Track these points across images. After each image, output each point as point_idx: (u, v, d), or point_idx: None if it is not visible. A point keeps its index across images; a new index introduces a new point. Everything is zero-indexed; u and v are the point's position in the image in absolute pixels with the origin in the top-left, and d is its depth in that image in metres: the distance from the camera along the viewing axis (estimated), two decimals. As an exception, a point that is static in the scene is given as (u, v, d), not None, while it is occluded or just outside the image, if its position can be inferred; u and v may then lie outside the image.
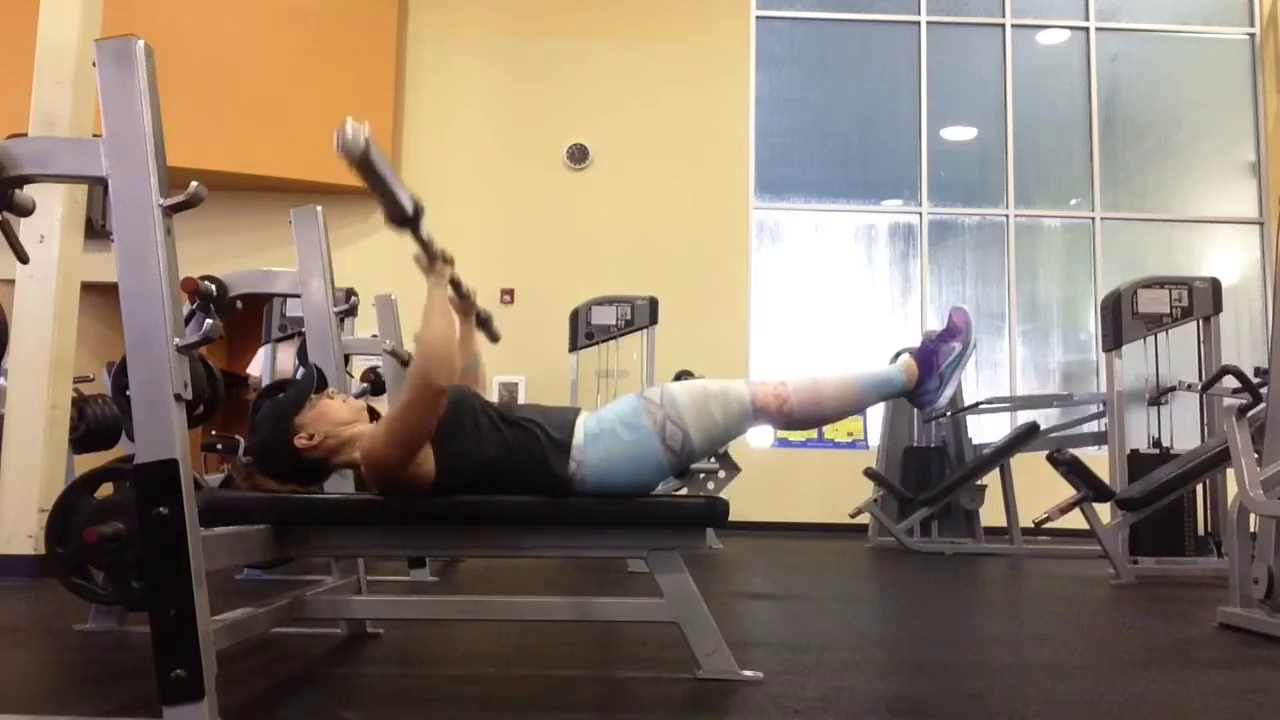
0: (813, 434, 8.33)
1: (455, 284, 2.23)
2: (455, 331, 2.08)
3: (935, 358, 2.20)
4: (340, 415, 2.16)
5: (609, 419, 2.10)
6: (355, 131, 1.72)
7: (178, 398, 1.56)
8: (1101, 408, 6.21)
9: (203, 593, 1.55)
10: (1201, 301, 5.25)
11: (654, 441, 2.06)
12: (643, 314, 6.79)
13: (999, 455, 6.42)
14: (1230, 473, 4.03)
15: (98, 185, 1.61)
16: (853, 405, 2.21)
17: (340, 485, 2.71)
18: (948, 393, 2.19)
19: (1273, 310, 6.74)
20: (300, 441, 2.12)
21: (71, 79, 4.19)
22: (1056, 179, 9.05)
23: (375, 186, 1.91)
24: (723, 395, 2.12)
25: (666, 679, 2.19)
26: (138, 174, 1.57)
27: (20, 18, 4.52)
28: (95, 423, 4.36)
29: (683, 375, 6.85)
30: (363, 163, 1.77)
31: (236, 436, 5.08)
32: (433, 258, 2.14)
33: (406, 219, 2.06)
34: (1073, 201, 8.95)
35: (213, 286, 3.00)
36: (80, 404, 4.35)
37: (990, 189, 8.89)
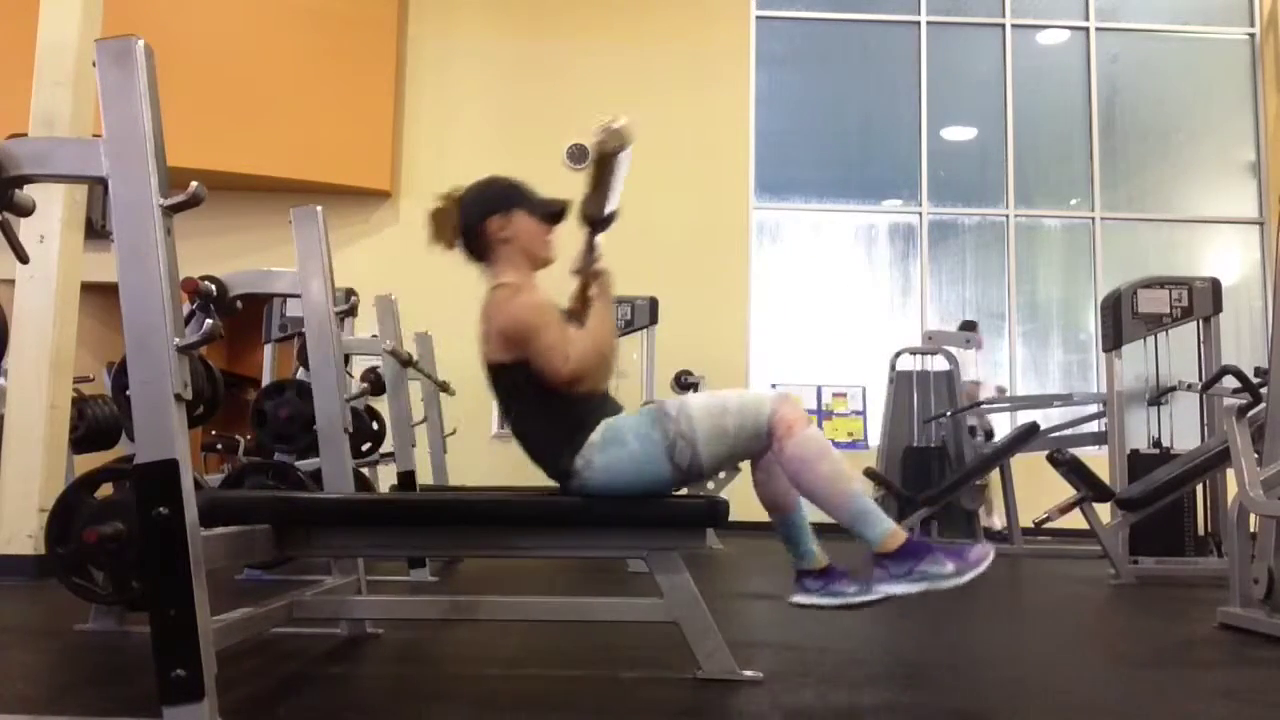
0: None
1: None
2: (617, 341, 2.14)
3: (925, 555, 1.96)
4: (527, 275, 2.19)
5: (622, 426, 2.08)
6: (627, 128, 1.78)
7: (178, 398, 1.56)
8: (1101, 408, 6.21)
9: (203, 593, 1.55)
10: (1201, 301, 5.25)
11: (661, 455, 2.03)
12: (643, 314, 6.78)
13: (999, 455, 6.42)
14: (1230, 473, 4.03)
15: (98, 185, 1.61)
16: (835, 495, 1.99)
17: (342, 487, 2.72)
18: (900, 589, 1.95)
19: (1273, 310, 6.75)
20: (493, 223, 2.16)
21: (71, 79, 4.19)
22: (1056, 179, 9.05)
23: (606, 180, 1.94)
24: (740, 414, 2.03)
25: (667, 679, 2.19)
26: (138, 174, 1.57)
27: (20, 18, 4.52)
28: (95, 423, 4.37)
29: (682, 375, 6.85)
30: (614, 158, 1.80)
31: (236, 436, 5.09)
32: (599, 267, 2.18)
33: (603, 220, 2.08)
34: (1073, 201, 8.95)
35: (213, 286, 3.00)
36: (80, 404, 4.36)
37: (990, 189, 8.89)
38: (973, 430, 6.99)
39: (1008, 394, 8.16)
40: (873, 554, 2.00)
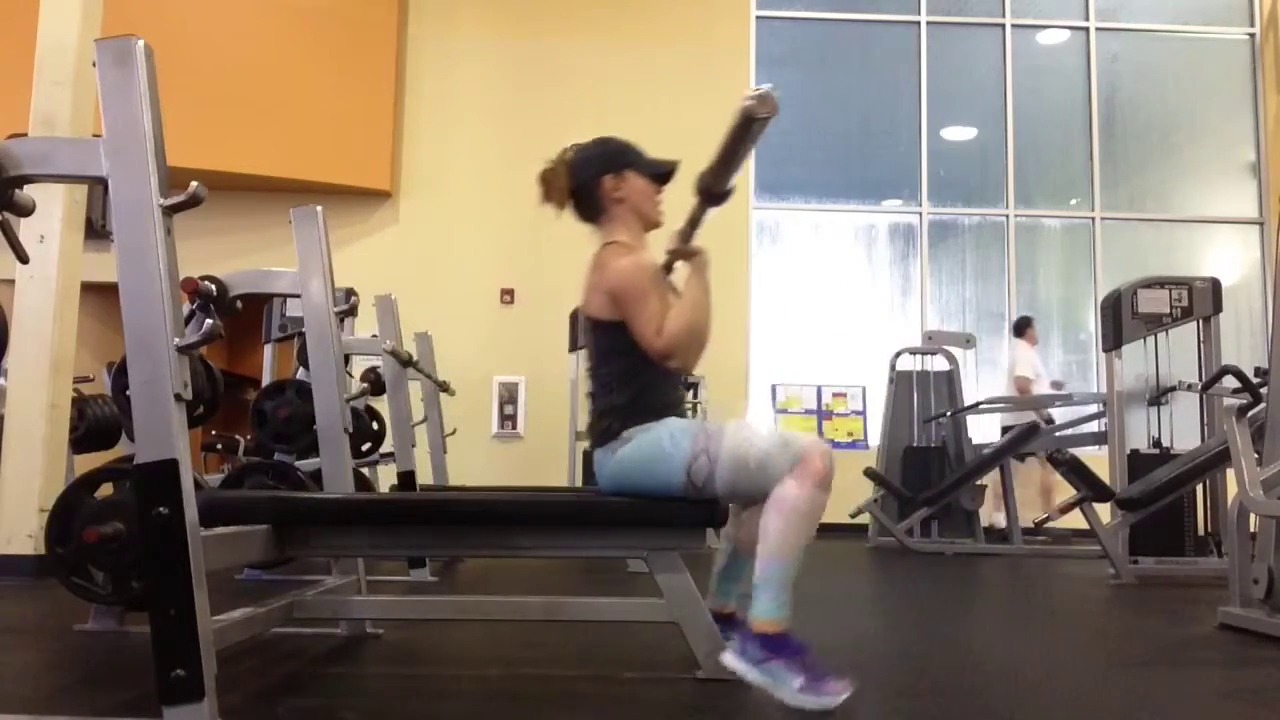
0: (813, 433, 8.33)
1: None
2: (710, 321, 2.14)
3: (784, 657, 1.87)
4: (638, 236, 2.20)
5: (670, 424, 2.07)
6: (777, 97, 1.74)
7: (178, 398, 1.56)
8: (1101, 408, 6.21)
9: (203, 593, 1.55)
10: (1201, 301, 5.24)
11: (681, 463, 2.01)
12: (643, 314, 6.76)
13: (999, 455, 6.42)
14: (1230, 473, 4.03)
15: (98, 185, 1.61)
16: (781, 552, 1.89)
17: (342, 487, 2.71)
18: (741, 669, 1.89)
19: (1273, 310, 6.74)
20: (606, 182, 2.18)
21: (71, 79, 4.19)
22: (1056, 179, 9.05)
23: (738, 151, 1.88)
24: (767, 452, 1.95)
25: (667, 679, 2.19)
26: (138, 174, 1.57)
27: (20, 18, 4.52)
28: (95, 423, 4.37)
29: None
30: (761, 126, 1.75)
31: (236, 436, 5.09)
32: (696, 246, 2.17)
33: (721, 194, 2.04)
34: (1073, 201, 8.95)
35: (213, 286, 3.00)
36: (80, 404, 4.36)
37: (990, 189, 8.89)
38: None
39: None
40: (746, 626, 1.92)
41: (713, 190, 2.05)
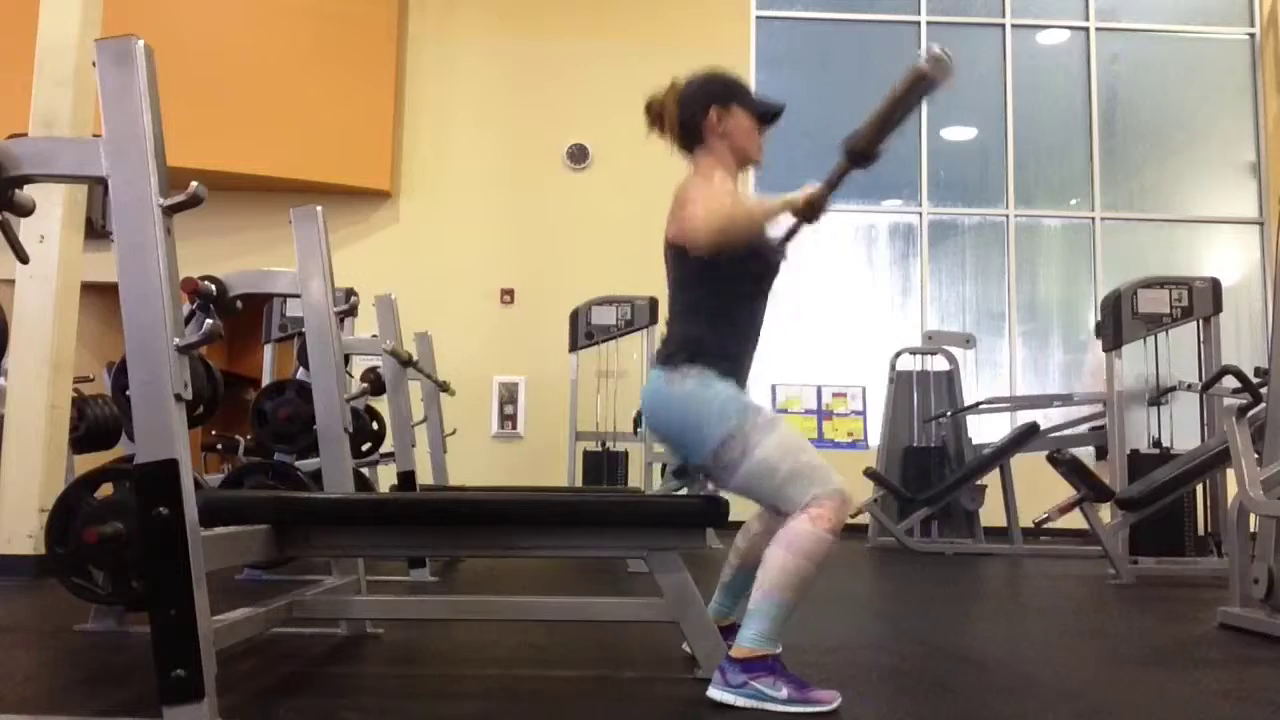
0: (813, 433, 8.33)
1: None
2: (759, 233, 2.08)
3: (764, 675, 1.87)
4: (730, 171, 2.17)
5: (731, 390, 2.02)
6: (950, 61, 1.65)
7: (178, 398, 1.56)
8: (1102, 408, 6.21)
9: (203, 593, 1.55)
10: (1201, 301, 5.25)
11: (717, 434, 1.97)
12: (643, 314, 6.78)
13: (999, 455, 6.42)
14: (1230, 473, 4.03)
15: (98, 185, 1.61)
16: (777, 585, 1.90)
17: (342, 487, 2.72)
18: (727, 697, 1.86)
19: (1273, 310, 6.74)
20: (712, 114, 2.14)
21: (71, 79, 4.19)
22: (1056, 179, 9.04)
23: (899, 113, 1.79)
24: (797, 470, 1.94)
25: (666, 679, 2.19)
26: (138, 174, 1.57)
27: (20, 18, 4.52)
28: (95, 423, 4.37)
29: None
30: (930, 89, 1.67)
31: (236, 436, 5.10)
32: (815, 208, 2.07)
33: (871, 156, 1.94)
34: (1073, 201, 8.95)
35: (213, 286, 3.00)
36: (80, 404, 4.36)
37: (990, 189, 8.89)
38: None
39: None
40: (727, 653, 1.93)
41: (862, 151, 1.93)
